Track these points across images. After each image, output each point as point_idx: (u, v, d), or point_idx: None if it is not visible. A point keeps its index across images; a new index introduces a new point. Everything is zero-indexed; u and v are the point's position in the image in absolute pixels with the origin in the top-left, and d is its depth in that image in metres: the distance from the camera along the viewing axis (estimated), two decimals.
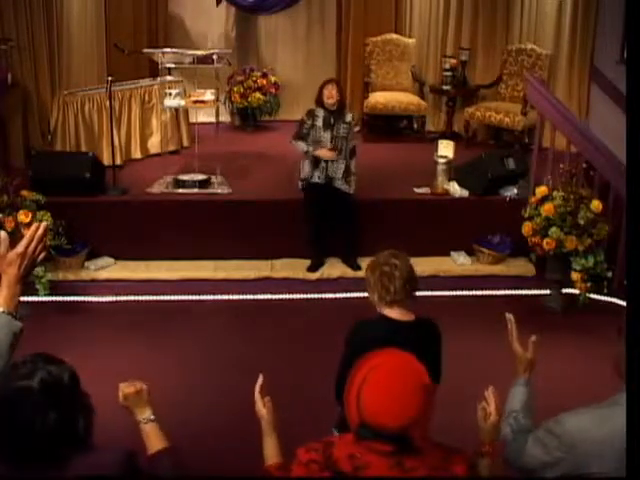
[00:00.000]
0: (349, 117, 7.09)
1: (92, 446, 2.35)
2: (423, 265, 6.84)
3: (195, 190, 7.45)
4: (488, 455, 2.75)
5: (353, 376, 2.42)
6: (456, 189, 7.49)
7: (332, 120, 6.97)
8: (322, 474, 2.37)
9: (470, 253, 7.42)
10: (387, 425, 2.29)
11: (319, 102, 7.00)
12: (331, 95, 6.91)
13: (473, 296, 7.03)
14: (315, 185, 7.00)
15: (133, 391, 2.74)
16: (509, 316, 3.09)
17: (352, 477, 2.32)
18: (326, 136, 6.96)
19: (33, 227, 2.55)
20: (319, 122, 6.98)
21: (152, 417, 2.74)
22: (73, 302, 6.79)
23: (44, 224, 2.59)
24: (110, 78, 7.40)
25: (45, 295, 6.55)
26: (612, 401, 2.60)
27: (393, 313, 3.47)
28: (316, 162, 6.97)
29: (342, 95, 7.09)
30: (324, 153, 6.93)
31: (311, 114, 7.05)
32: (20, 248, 2.50)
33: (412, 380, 2.34)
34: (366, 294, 3.59)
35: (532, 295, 7.01)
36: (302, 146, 6.98)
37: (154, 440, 2.70)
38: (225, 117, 9.61)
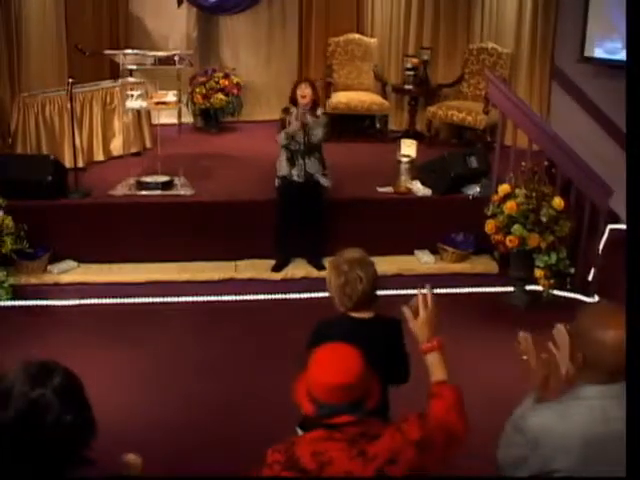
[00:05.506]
0: (319, 111, 7.05)
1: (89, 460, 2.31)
2: (387, 264, 6.87)
3: (158, 192, 7.40)
4: (434, 350, 2.84)
5: (301, 376, 2.54)
6: (419, 188, 7.52)
7: (305, 117, 6.95)
8: (283, 474, 2.41)
9: (434, 251, 7.45)
10: (335, 384, 2.39)
11: (293, 101, 6.98)
12: (305, 94, 6.88)
13: (437, 294, 7.02)
14: (293, 183, 6.98)
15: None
16: (524, 335, 2.91)
17: (315, 476, 2.37)
18: (300, 133, 6.91)
19: None
20: (292, 119, 6.96)
21: None
22: (37, 306, 6.71)
23: None
24: (71, 80, 7.32)
25: (8, 300, 6.52)
26: (572, 395, 2.61)
27: (353, 312, 3.53)
28: (293, 160, 6.94)
29: (316, 94, 7.05)
30: (296, 125, 6.81)
31: (286, 111, 7.03)
32: None
33: (351, 352, 2.49)
34: None
35: (496, 292, 7.05)
36: (281, 136, 6.90)
37: None
38: (187, 118, 9.55)
